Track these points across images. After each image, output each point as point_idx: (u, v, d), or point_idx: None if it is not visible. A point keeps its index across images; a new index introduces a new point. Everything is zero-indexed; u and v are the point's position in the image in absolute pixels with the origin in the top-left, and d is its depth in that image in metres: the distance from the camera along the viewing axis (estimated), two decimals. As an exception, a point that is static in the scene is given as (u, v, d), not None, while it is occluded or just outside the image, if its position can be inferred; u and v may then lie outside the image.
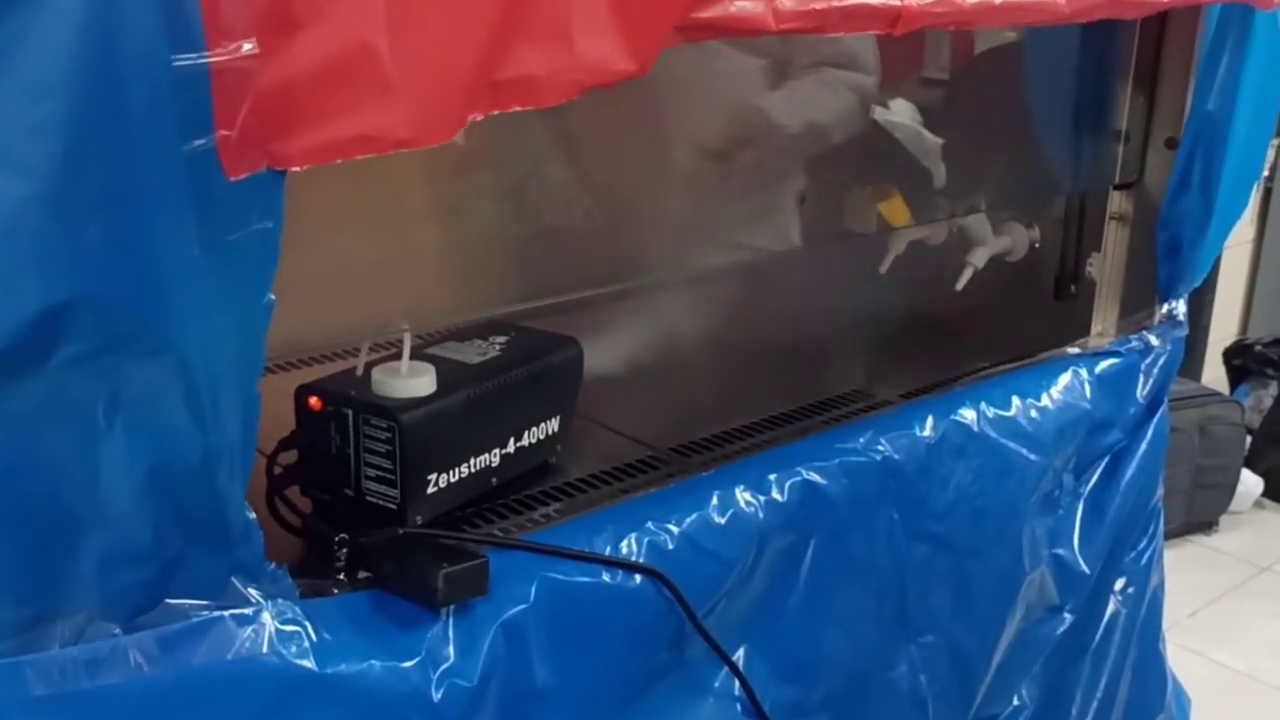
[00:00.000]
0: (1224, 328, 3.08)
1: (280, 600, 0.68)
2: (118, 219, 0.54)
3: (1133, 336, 1.28)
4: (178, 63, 0.54)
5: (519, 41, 0.67)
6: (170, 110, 0.55)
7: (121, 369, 0.57)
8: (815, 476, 0.97)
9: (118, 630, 0.62)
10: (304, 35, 0.58)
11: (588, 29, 0.69)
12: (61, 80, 0.51)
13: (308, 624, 0.69)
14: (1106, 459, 1.26)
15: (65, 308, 0.54)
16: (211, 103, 0.56)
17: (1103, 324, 1.36)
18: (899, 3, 0.81)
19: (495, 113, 0.68)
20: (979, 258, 1.35)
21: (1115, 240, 1.34)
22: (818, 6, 0.77)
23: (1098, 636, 1.27)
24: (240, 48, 0.56)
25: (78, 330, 0.55)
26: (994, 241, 1.38)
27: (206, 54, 0.55)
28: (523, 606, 0.78)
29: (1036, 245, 1.40)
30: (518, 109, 0.69)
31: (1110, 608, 1.28)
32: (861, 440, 1.02)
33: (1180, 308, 1.30)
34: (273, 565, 0.69)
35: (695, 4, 0.72)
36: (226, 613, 0.66)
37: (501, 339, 0.96)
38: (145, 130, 0.54)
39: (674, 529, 0.88)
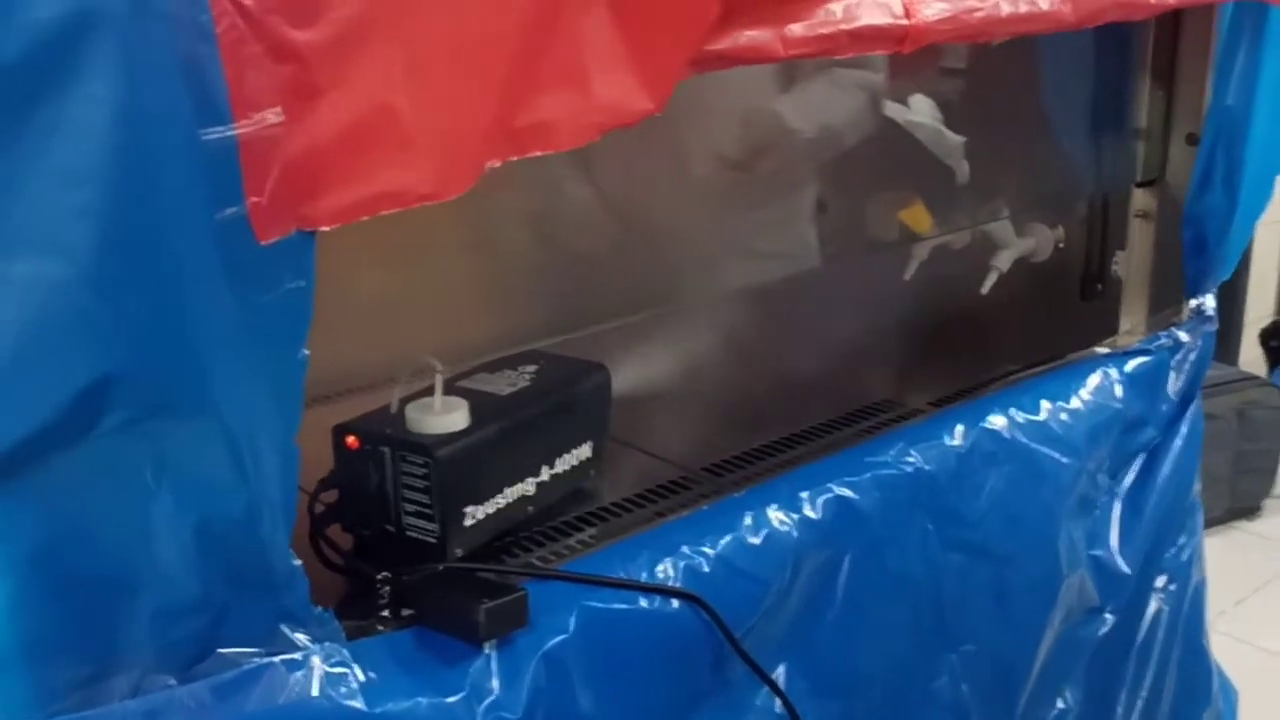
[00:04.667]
0: (1260, 308, 3.05)
1: (328, 643, 0.70)
2: (156, 291, 0.56)
3: (1162, 334, 1.27)
4: (206, 136, 0.56)
5: (535, 89, 0.68)
6: (201, 182, 0.57)
7: (166, 433, 0.59)
8: (847, 492, 0.98)
9: (173, 681, 0.64)
10: (326, 100, 0.60)
11: (603, 71, 0.70)
12: (96, 164, 0.53)
13: (355, 665, 0.71)
14: (1141, 457, 1.26)
15: (109, 379, 0.56)
16: (241, 171, 0.58)
17: (1131, 322, 1.36)
18: (906, 21, 0.82)
19: (514, 158, 0.70)
20: (1003, 261, 1.35)
21: (1140, 238, 1.34)
22: (825, 31, 0.78)
23: (1140, 636, 1.27)
24: (266, 117, 0.58)
25: (122, 399, 0.57)
26: (1018, 243, 1.37)
27: (234, 126, 0.57)
28: (563, 636, 0.80)
29: (1061, 245, 1.40)
30: (538, 153, 0.70)
31: (1152, 606, 1.28)
32: (892, 453, 1.03)
33: (1209, 302, 1.30)
34: (319, 609, 0.71)
35: (707, 37, 0.73)
36: (277, 658, 0.68)
37: (531, 368, 0.98)
38: (178, 204, 0.56)
39: (709, 551, 0.89)
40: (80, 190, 0.53)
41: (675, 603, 0.85)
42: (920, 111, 1.33)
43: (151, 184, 0.55)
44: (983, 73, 1.32)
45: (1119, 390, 1.21)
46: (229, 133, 0.57)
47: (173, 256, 0.56)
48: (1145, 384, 1.23)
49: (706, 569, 0.88)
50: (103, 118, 0.53)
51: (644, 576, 0.85)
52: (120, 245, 0.54)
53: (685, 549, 0.88)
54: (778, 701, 0.93)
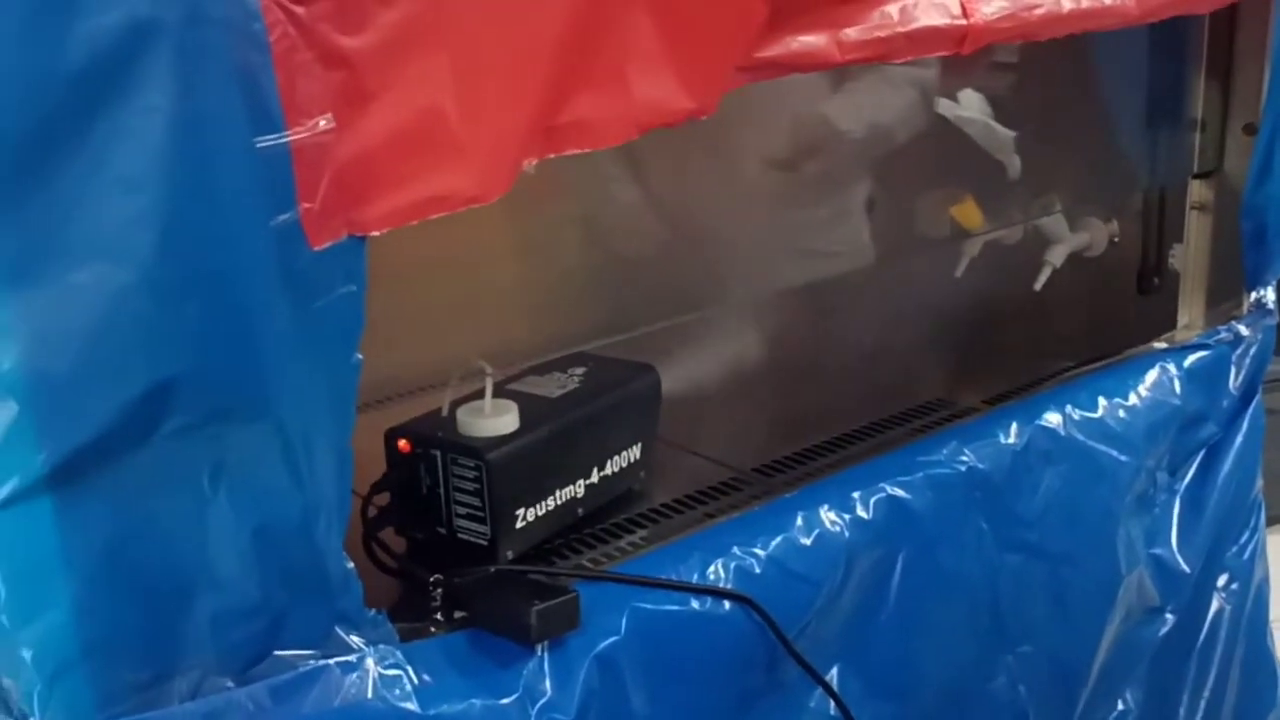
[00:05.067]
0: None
1: (382, 645, 0.71)
2: (212, 297, 0.57)
3: (1221, 328, 1.25)
4: (260, 144, 0.57)
5: (575, 88, 0.68)
6: (255, 189, 0.57)
7: (223, 437, 0.60)
8: (900, 492, 0.97)
9: (231, 684, 0.65)
10: (376, 106, 0.60)
11: (643, 70, 0.70)
12: (153, 172, 0.54)
13: (409, 667, 0.71)
14: (1201, 454, 1.23)
15: (168, 384, 0.57)
16: (293, 178, 0.58)
17: (1189, 316, 1.33)
18: (965, 21, 0.80)
19: (551, 156, 0.70)
20: (1057, 256, 1.33)
21: (1197, 230, 1.31)
22: (882, 34, 0.77)
23: (1202, 635, 1.24)
24: (317, 124, 0.58)
25: (181, 404, 0.58)
26: (1072, 238, 1.35)
27: (287, 133, 0.57)
28: (615, 638, 0.80)
29: (1116, 239, 1.38)
30: (575, 151, 0.70)
31: (1214, 605, 1.25)
32: (945, 452, 1.02)
33: (1269, 295, 1.27)
34: (373, 612, 0.71)
35: (757, 44, 0.73)
36: (332, 660, 0.68)
37: (580, 370, 0.98)
38: (233, 210, 0.57)
39: (760, 553, 0.88)
40: (139, 198, 0.54)
41: (727, 604, 0.85)
42: (970, 106, 1.32)
43: (207, 191, 0.55)
44: (1034, 66, 1.30)
45: (1178, 386, 1.19)
46: (282, 140, 0.57)
47: (229, 263, 0.57)
48: (1205, 379, 1.21)
49: (758, 570, 0.87)
50: (160, 126, 0.53)
51: (695, 578, 0.85)
52: (178, 252, 0.55)
53: (736, 550, 0.87)
54: (831, 703, 0.92)
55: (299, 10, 0.57)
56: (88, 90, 0.52)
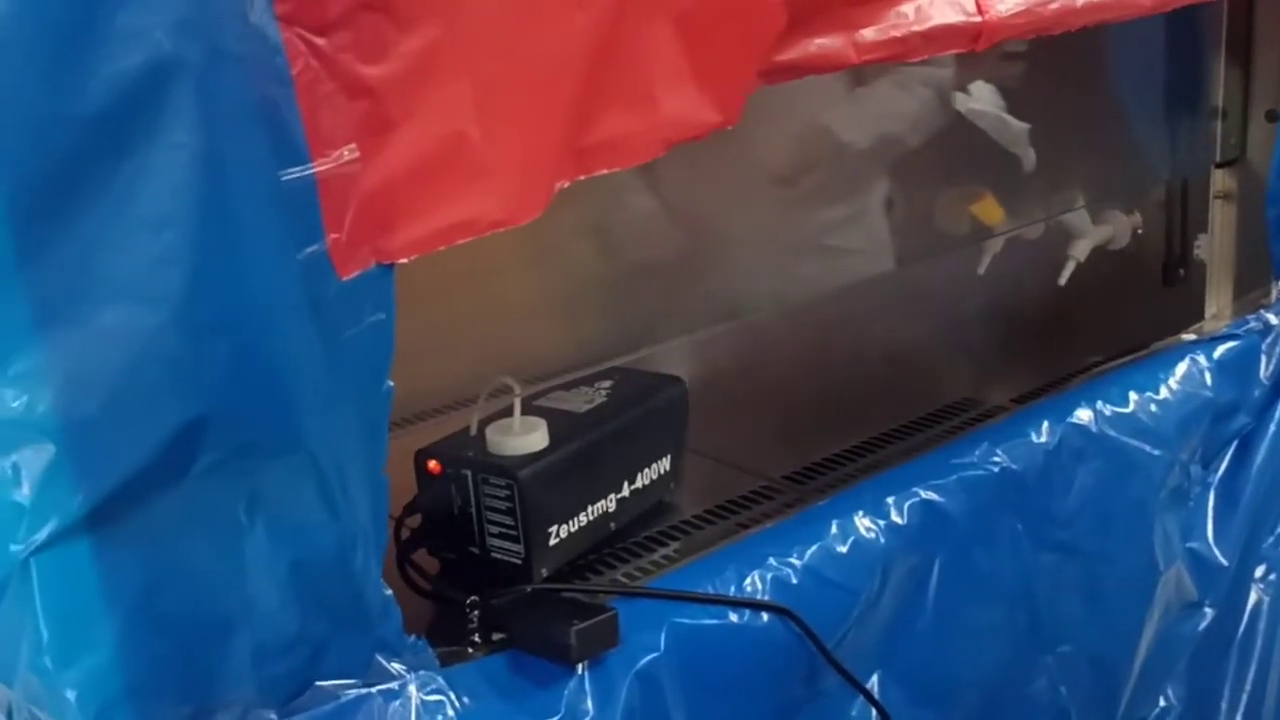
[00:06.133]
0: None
1: (422, 671, 0.70)
2: (242, 332, 0.57)
3: (1250, 317, 1.23)
4: (286, 177, 0.57)
5: (601, 108, 0.68)
6: (282, 222, 0.57)
7: (257, 471, 0.60)
8: (933, 495, 0.96)
9: (274, 716, 0.65)
10: (399, 134, 0.60)
11: (669, 87, 0.70)
12: (179, 209, 0.54)
13: (450, 692, 0.71)
14: (1234, 445, 1.22)
15: (201, 421, 0.57)
16: (320, 209, 0.58)
17: (1217, 306, 1.32)
18: (980, 18, 0.80)
19: (582, 178, 0.69)
20: (1080, 250, 1.32)
21: (1222, 219, 1.30)
22: (897, 34, 0.77)
23: (1242, 628, 1.23)
24: (342, 154, 0.58)
25: (213, 440, 0.58)
26: (1094, 232, 1.34)
27: (312, 165, 0.57)
28: (655, 654, 0.79)
29: (1139, 231, 1.37)
30: (605, 171, 0.70)
31: (1253, 598, 1.24)
32: (977, 453, 1.01)
33: (1298, 282, 1.26)
34: (412, 638, 0.71)
35: (776, 48, 0.72)
36: (374, 689, 0.68)
37: (606, 384, 0.97)
38: (260, 245, 0.57)
39: (796, 562, 0.88)
40: (166, 236, 0.54)
41: (765, 616, 0.84)
42: (981, 99, 1.31)
43: (235, 226, 0.55)
44: (1048, 56, 1.29)
45: (1208, 377, 1.17)
46: (307, 172, 0.57)
47: (258, 297, 0.57)
48: (1235, 369, 1.20)
49: (795, 580, 0.87)
50: (185, 164, 0.53)
51: (732, 590, 0.84)
52: (206, 288, 0.55)
53: (772, 560, 0.87)
54: (873, 711, 0.91)
55: (320, 42, 0.57)
56: (113, 130, 0.52)
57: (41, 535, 0.56)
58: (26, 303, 0.53)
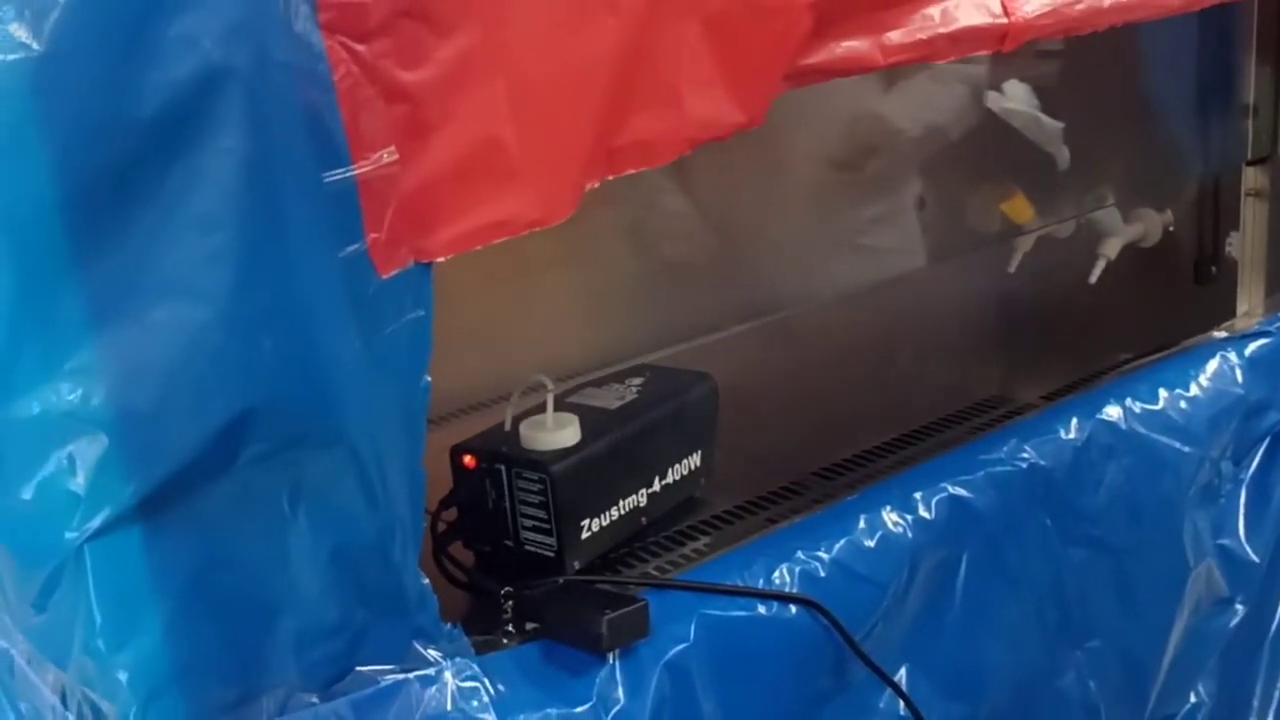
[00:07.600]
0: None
1: (458, 659, 0.72)
2: (286, 328, 0.59)
3: (1282, 313, 1.23)
4: (328, 179, 0.59)
5: (631, 109, 0.69)
6: (324, 223, 0.59)
7: (301, 462, 0.62)
8: (962, 491, 0.97)
9: (315, 699, 0.67)
10: (437, 137, 0.62)
11: (697, 87, 0.71)
12: (227, 211, 0.56)
13: (485, 679, 0.72)
14: (1266, 442, 1.22)
15: (247, 414, 0.59)
16: (360, 210, 0.60)
17: (1249, 303, 1.31)
18: (1006, 20, 0.81)
19: (611, 177, 0.71)
20: (1111, 248, 1.32)
21: (1254, 217, 1.30)
22: (924, 36, 0.77)
23: (1274, 625, 1.23)
24: (381, 157, 0.60)
25: (259, 433, 0.60)
26: (1125, 230, 1.34)
27: (353, 167, 0.59)
28: (684, 645, 0.81)
29: (1171, 229, 1.36)
30: (633, 171, 0.72)
31: (1284, 595, 1.24)
32: (1005, 449, 1.02)
33: (1331, 280, 1.25)
34: (449, 626, 0.73)
35: (802, 51, 0.73)
36: (411, 674, 0.70)
37: (638, 381, 0.99)
38: (304, 244, 0.59)
39: (824, 556, 0.89)
40: (215, 236, 0.56)
41: (793, 608, 0.86)
42: (1016, 98, 1.31)
43: (280, 227, 0.58)
44: (1081, 55, 1.29)
45: (1239, 374, 1.17)
46: (349, 174, 0.59)
47: (302, 294, 0.59)
48: (1267, 367, 1.20)
49: (823, 574, 0.88)
50: (233, 167, 0.56)
51: (760, 583, 0.86)
52: (253, 286, 0.57)
53: (800, 554, 0.88)
54: (901, 704, 0.92)
55: (361, 49, 0.59)
56: (166, 135, 0.55)
57: (95, 523, 0.58)
58: (82, 300, 0.56)
